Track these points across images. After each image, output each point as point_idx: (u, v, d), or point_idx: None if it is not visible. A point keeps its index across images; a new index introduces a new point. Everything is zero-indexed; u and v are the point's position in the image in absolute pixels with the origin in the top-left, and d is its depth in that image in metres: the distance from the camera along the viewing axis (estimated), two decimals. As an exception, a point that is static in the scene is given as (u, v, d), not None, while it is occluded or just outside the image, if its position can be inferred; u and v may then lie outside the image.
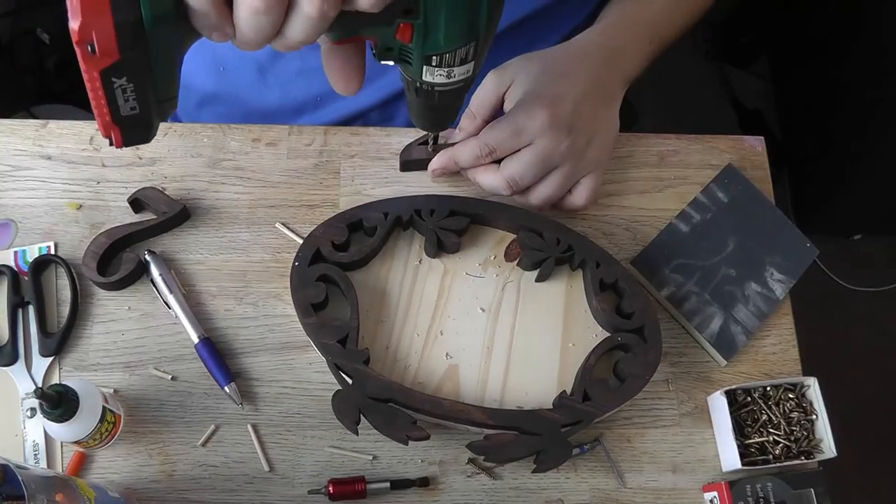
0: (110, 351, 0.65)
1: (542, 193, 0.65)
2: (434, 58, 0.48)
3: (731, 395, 0.64)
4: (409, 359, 0.65)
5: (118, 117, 0.43)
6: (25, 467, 0.46)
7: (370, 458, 0.63)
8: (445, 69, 0.48)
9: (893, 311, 1.70)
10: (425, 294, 0.67)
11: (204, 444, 0.62)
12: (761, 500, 0.61)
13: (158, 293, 0.66)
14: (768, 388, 0.65)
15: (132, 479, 0.61)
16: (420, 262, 0.68)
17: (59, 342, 0.64)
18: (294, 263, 0.64)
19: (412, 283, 0.67)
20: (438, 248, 0.68)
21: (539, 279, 0.68)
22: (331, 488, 0.60)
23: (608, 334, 0.66)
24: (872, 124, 1.53)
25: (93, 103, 0.42)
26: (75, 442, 0.58)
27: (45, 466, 0.61)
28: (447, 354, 0.65)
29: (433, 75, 0.49)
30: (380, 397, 0.59)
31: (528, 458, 0.59)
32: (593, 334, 0.67)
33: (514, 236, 0.69)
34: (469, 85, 0.52)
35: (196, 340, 0.64)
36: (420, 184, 0.72)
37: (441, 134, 0.69)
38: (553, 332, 0.67)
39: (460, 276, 0.68)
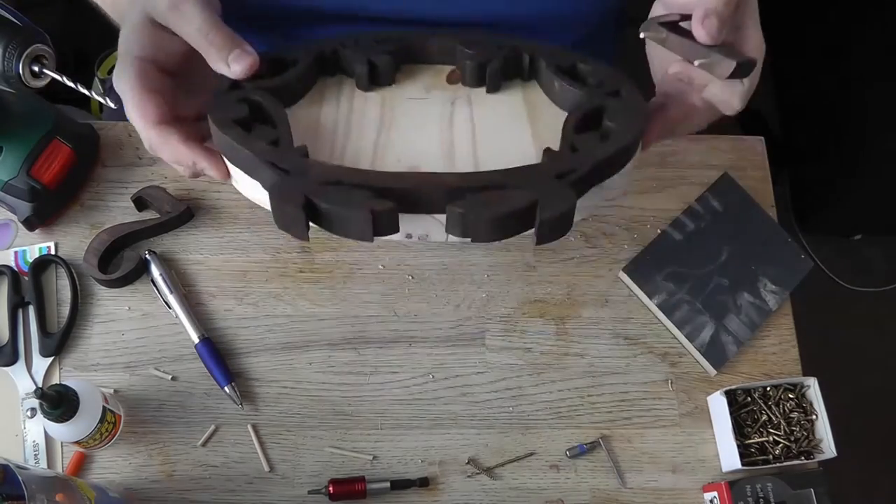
0: (110, 351, 0.65)
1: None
2: None
3: (731, 396, 0.64)
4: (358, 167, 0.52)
5: None
6: (25, 467, 0.46)
7: (370, 458, 0.63)
8: None
9: (893, 311, 1.70)
10: (366, 119, 0.56)
11: (204, 444, 0.62)
12: (761, 500, 0.61)
13: (159, 293, 0.66)
14: (768, 389, 0.65)
15: (132, 479, 0.61)
16: (353, 96, 0.57)
17: (59, 342, 0.64)
18: (210, 95, 0.52)
19: (348, 115, 0.56)
20: (371, 81, 0.58)
21: (490, 90, 0.58)
22: (331, 488, 0.60)
23: None
24: (872, 124, 1.53)
25: None
26: (75, 442, 0.58)
27: (45, 466, 0.61)
28: (400, 160, 0.52)
29: None
30: (328, 181, 0.46)
31: (526, 232, 0.46)
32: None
33: (453, 67, 0.59)
34: None
35: (196, 340, 0.64)
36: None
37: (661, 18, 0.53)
38: (521, 135, 0.55)
39: (402, 102, 0.57)
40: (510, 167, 0.48)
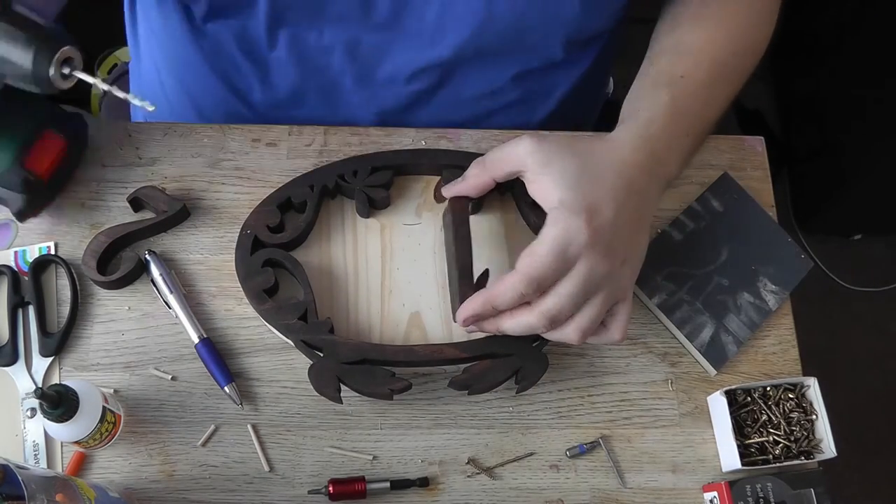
0: (110, 351, 0.65)
1: (580, 325, 0.56)
2: None
3: (731, 395, 0.64)
4: (371, 319, 0.66)
5: None
6: (25, 467, 0.46)
7: (370, 458, 0.63)
8: None
9: (893, 311, 1.70)
10: (369, 254, 0.68)
11: (204, 444, 0.62)
12: (761, 500, 0.61)
13: (159, 293, 0.66)
14: (768, 388, 0.65)
15: (132, 479, 0.61)
16: (356, 224, 0.69)
17: (59, 342, 0.64)
18: (235, 256, 0.65)
19: (354, 247, 0.68)
20: (370, 206, 0.69)
21: (472, 212, 0.68)
22: (331, 488, 0.60)
23: None
24: (872, 124, 1.53)
25: None
26: (75, 442, 0.58)
27: (45, 466, 0.61)
28: (405, 304, 0.66)
29: None
30: (353, 360, 0.60)
31: (509, 383, 0.62)
32: None
33: (439, 178, 0.69)
34: None
35: (196, 340, 0.64)
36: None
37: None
38: (500, 258, 0.68)
39: (398, 228, 0.69)
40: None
